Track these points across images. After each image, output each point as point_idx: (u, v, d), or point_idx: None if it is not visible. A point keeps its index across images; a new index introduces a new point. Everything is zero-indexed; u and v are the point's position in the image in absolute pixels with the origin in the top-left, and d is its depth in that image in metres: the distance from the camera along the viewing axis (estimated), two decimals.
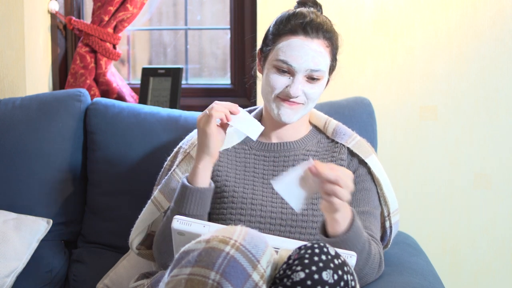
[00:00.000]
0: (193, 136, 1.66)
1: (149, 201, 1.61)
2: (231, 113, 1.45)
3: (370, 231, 1.52)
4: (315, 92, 1.52)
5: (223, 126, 1.47)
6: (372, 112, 1.94)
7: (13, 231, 1.80)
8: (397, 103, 2.18)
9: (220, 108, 1.43)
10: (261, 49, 1.59)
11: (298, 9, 1.55)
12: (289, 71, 1.50)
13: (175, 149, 1.69)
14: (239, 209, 1.53)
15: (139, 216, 1.62)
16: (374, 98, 2.11)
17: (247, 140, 1.64)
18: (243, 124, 1.47)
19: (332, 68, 1.58)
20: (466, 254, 2.19)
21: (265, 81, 1.54)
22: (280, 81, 1.51)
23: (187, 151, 1.62)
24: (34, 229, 1.85)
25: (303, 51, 1.48)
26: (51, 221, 1.90)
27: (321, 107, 1.88)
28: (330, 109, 1.90)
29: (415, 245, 1.85)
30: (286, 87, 1.50)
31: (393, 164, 2.19)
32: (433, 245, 2.19)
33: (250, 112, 1.68)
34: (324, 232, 1.40)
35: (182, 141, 1.69)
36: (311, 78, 1.51)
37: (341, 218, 1.36)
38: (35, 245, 1.84)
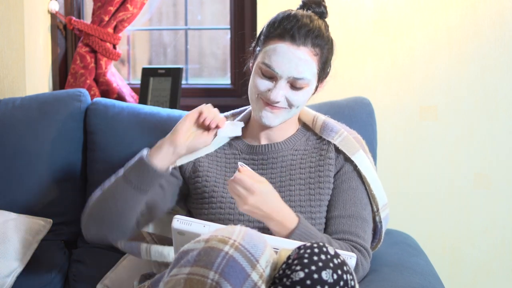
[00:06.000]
0: None
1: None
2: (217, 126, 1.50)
3: (356, 236, 1.51)
4: (298, 99, 1.51)
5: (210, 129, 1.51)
6: (372, 112, 1.94)
7: (13, 231, 1.80)
8: (397, 103, 2.18)
9: (211, 115, 1.50)
10: (254, 48, 1.59)
11: (293, 12, 1.53)
12: (272, 76, 1.49)
13: None
14: (227, 214, 1.53)
15: None
16: (374, 98, 2.11)
17: (236, 145, 1.63)
18: (229, 130, 1.54)
19: (322, 75, 1.55)
20: (466, 254, 2.19)
21: (251, 82, 1.55)
22: (263, 84, 1.50)
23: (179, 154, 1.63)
24: (34, 229, 1.85)
25: (287, 58, 1.47)
26: (51, 221, 1.90)
27: (320, 107, 1.88)
28: (330, 109, 1.89)
29: (415, 245, 1.85)
30: (268, 90, 1.50)
31: (393, 164, 2.19)
32: (433, 245, 2.19)
33: (239, 113, 1.69)
34: None
35: None
36: (295, 86, 1.49)
37: (275, 228, 1.41)
38: (35, 245, 1.84)
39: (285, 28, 1.49)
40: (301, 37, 1.47)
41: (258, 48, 1.55)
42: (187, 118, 1.49)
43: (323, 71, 1.54)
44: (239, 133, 1.56)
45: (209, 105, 1.51)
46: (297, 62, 1.47)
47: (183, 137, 1.48)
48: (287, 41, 1.48)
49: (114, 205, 1.49)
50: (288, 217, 1.42)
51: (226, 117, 1.70)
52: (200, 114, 1.49)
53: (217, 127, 1.50)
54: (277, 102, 1.50)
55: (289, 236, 1.40)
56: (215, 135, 1.52)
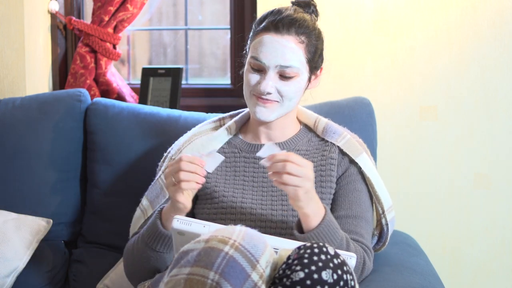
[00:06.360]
0: (181, 140, 1.66)
1: (137, 208, 1.64)
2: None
3: (361, 237, 1.51)
4: (289, 90, 1.50)
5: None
6: (372, 112, 1.94)
7: (13, 231, 1.80)
8: (397, 103, 2.18)
9: (188, 177, 1.36)
10: (246, 49, 1.60)
11: (278, 7, 1.54)
12: (261, 68, 1.50)
13: (165, 153, 1.69)
14: (229, 213, 1.53)
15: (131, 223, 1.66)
16: (374, 98, 2.11)
17: (235, 143, 1.63)
18: (213, 164, 1.41)
19: (313, 66, 1.54)
20: (466, 254, 2.19)
21: (244, 80, 1.55)
22: (253, 78, 1.51)
23: (173, 157, 1.62)
24: (34, 229, 1.85)
25: (272, 47, 1.47)
26: (51, 221, 1.90)
27: (321, 107, 1.88)
28: (330, 109, 1.89)
29: (415, 245, 1.85)
30: (258, 83, 1.50)
31: (393, 164, 2.19)
32: (433, 245, 2.19)
33: (237, 114, 1.69)
34: (300, 229, 1.40)
35: (172, 145, 1.68)
36: (284, 75, 1.49)
37: (311, 212, 1.36)
38: (35, 245, 1.84)
39: (269, 20, 1.50)
40: (285, 26, 1.48)
41: (247, 47, 1.57)
42: (179, 195, 1.38)
43: (313, 61, 1.53)
44: (222, 157, 1.43)
45: (170, 170, 1.38)
46: (282, 50, 1.47)
47: (188, 202, 1.41)
48: (271, 31, 1.49)
49: (154, 267, 1.49)
50: (320, 203, 1.40)
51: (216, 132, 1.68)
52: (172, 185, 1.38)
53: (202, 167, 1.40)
54: (269, 94, 1.49)
55: (319, 225, 1.36)
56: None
